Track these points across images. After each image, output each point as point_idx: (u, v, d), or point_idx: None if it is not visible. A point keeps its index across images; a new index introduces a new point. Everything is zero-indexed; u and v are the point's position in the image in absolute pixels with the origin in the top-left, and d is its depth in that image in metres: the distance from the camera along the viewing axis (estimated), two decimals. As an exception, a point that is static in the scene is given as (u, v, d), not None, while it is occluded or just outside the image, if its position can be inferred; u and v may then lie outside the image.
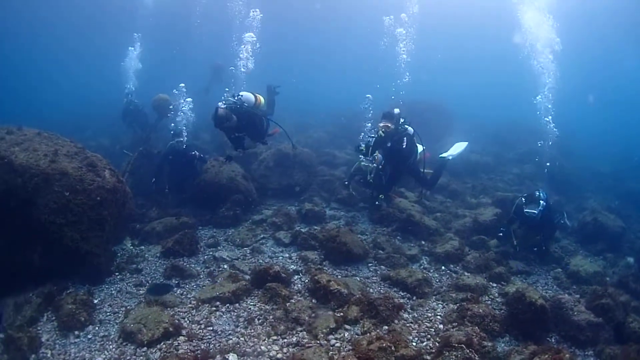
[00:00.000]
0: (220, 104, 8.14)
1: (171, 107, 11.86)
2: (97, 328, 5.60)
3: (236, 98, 8.44)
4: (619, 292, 7.06)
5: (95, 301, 6.16)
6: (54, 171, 6.09)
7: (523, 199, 8.66)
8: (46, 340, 5.28)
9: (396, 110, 8.96)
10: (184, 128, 10.46)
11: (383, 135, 8.67)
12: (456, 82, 44.61)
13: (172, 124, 12.34)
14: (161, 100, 13.66)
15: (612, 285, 7.55)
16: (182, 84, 11.58)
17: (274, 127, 9.29)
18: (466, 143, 10.17)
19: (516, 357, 4.95)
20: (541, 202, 8.41)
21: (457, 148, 9.99)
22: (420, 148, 9.29)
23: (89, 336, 5.43)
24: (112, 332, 5.52)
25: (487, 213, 10.08)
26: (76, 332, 5.47)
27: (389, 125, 8.68)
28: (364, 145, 8.82)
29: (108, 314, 5.95)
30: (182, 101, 11.09)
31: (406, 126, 9.02)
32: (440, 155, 9.92)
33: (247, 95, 8.62)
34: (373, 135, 8.89)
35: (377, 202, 9.42)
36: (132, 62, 16.26)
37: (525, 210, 8.42)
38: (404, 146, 8.75)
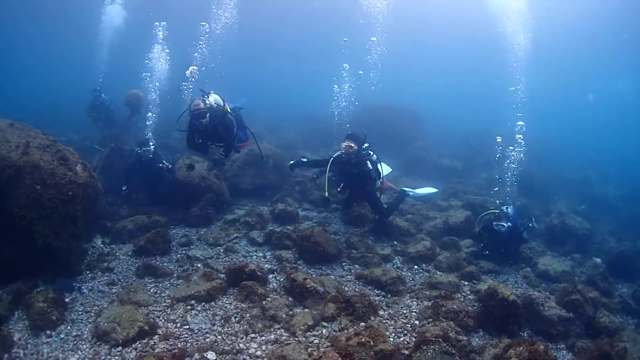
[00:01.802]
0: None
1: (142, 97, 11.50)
2: (69, 327, 5.45)
3: (206, 97, 8.13)
4: (588, 288, 7.39)
5: (67, 300, 5.97)
6: (26, 164, 5.88)
7: (492, 216, 8.98)
8: (18, 339, 5.09)
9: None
10: (150, 137, 10.09)
11: (345, 156, 8.39)
12: (431, 88, 45.10)
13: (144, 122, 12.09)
14: (134, 95, 13.32)
15: (581, 283, 7.83)
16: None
17: (246, 139, 9.14)
18: (436, 190, 10.20)
19: (491, 351, 5.11)
20: (509, 217, 8.79)
21: (425, 190, 9.95)
22: (385, 169, 9.16)
23: (62, 336, 5.27)
24: (85, 331, 5.37)
25: (458, 215, 10.35)
26: (48, 332, 5.30)
27: (352, 145, 8.34)
28: (307, 159, 8.68)
29: (80, 313, 5.78)
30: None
31: (370, 152, 8.79)
32: (402, 188, 9.90)
33: (215, 97, 8.33)
34: (332, 153, 8.63)
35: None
36: (112, 20, 15.67)
37: (494, 223, 8.72)
38: (365, 169, 8.54)
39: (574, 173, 19.76)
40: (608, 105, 39.33)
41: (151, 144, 9.79)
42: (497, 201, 9.87)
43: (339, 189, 8.63)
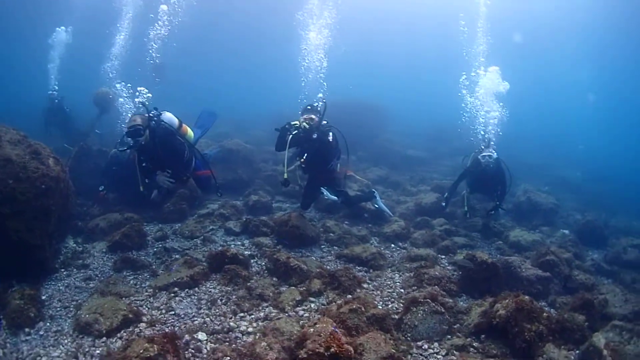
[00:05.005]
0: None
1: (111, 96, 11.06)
2: (48, 324, 5.22)
3: (153, 113, 7.19)
4: (561, 250, 7.74)
5: (43, 297, 5.75)
6: (-3, 157, 5.64)
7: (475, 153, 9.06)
8: (-4, 339, 4.87)
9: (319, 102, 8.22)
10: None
11: (307, 127, 7.70)
12: (394, 82, 45.62)
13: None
14: (102, 94, 12.77)
15: (553, 248, 8.16)
16: None
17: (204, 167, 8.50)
18: (392, 215, 9.73)
19: (477, 309, 5.24)
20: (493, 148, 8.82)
21: (386, 208, 9.61)
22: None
23: (41, 332, 5.04)
24: (65, 326, 5.17)
25: (428, 197, 10.65)
26: (26, 329, 5.05)
27: (313, 117, 7.87)
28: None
29: (58, 309, 5.56)
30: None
31: (331, 126, 8.24)
32: (372, 190, 10.00)
33: (168, 116, 7.43)
34: (290, 129, 7.81)
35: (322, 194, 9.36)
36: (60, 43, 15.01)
37: (482, 154, 8.72)
38: (331, 139, 8.06)
39: (535, 158, 20.51)
40: (565, 92, 40.83)
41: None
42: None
43: (302, 159, 8.08)
